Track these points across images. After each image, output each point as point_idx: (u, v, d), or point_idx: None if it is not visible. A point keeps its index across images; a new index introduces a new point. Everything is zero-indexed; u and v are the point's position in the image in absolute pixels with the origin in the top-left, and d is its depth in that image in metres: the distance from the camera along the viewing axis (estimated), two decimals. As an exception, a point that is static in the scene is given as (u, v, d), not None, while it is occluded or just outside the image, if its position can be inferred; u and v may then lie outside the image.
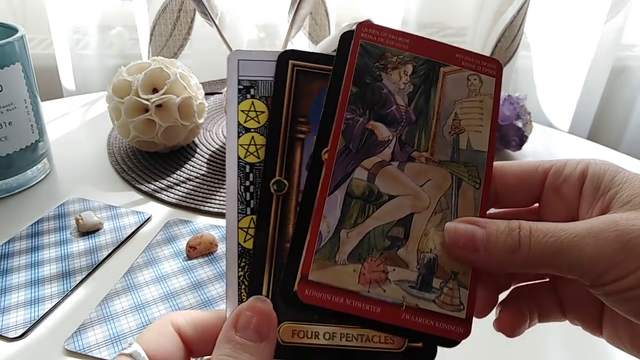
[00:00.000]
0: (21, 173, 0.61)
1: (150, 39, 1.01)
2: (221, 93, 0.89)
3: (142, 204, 0.60)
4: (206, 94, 0.83)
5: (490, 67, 0.27)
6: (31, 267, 0.50)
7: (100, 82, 1.05)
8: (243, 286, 0.25)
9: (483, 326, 0.46)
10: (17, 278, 0.48)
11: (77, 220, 0.55)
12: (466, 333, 0.25)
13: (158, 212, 0.59)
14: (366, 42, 0.26)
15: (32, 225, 0.56)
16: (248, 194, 0.25)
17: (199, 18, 1.00)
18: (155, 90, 0.64)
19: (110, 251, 0.52)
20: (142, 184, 0.64)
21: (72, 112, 0.84)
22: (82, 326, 0.43)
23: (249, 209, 0.25)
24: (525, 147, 0.71)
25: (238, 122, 0.26)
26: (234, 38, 1.01)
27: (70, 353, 0.41)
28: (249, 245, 0.25)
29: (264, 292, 0.24)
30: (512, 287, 0.28)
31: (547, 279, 0.28)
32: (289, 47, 0.68)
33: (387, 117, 0.26)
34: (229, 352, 0.22)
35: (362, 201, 0.25)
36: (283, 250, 0.25)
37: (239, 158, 0.26)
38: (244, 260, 0.25)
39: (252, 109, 0.26)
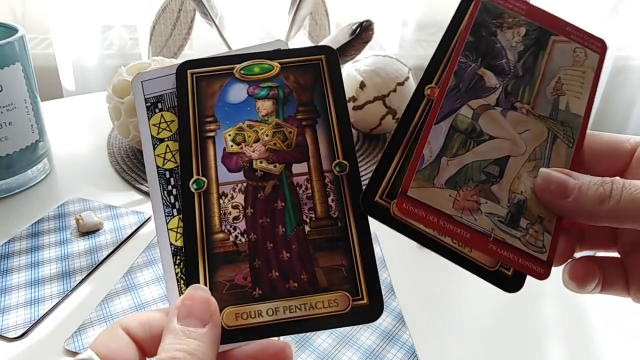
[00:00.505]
0: (21, 173, 0.61)
1: (150, 39, 1.01)
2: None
3: (142, 204, 0.60)
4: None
5: (596, 44, 0.30)
6: (31, 267, 0.50)
7: (100, 82, 1.06)
8: (182, 282, 0.26)
9: (482, 326, 0.46)
10: (17, 278, 0.48)
11: (77, 220, 0.55)
12: (546, 274, 0.25)
13: (158, 212, 0.59)
14: (487, 1, 0.29)
15: (32, 225, 0.56)
16: (172, 197, 0.27)
17: (199, 18, 1.01)
18: (155, 90, 0.64)
19: (110, 251, 0.52)
20: (142, 184, 0.64)
21: (72, 112, 0.84)
22: (82, 326, 0.43)
23: (175, 210, 0.27)
24: (526, 147, 0.71)
25: (151, 135, 0.28)
26: (234, 38, 1.01)
27: (70, 353, 0.41)
28: (181, 243, 0.26)
29: (202, 283, 0.25)
30: (580, 254, 0.28)
31: (616, 253, 0.28)
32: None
33: (496, 67, 0.28)
34: (172, 340, 0.22)
35: (465, 135, 0.27)
36: (212, 241, 0.26)
37: (157, 167, 0.28)
38: (178, 257, 0.26)
39: (162, 120, 0.28)
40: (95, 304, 0.46)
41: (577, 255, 0.28)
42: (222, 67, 0.29)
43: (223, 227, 0.26)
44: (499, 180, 0.26)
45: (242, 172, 0.27)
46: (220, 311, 0.24)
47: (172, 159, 0.28)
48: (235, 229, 0.26)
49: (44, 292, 0.47)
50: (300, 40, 1.04)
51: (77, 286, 0.48)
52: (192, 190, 0.27)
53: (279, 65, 0.29)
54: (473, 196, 0.26)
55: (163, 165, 0.28)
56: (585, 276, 0.27)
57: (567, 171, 0.26)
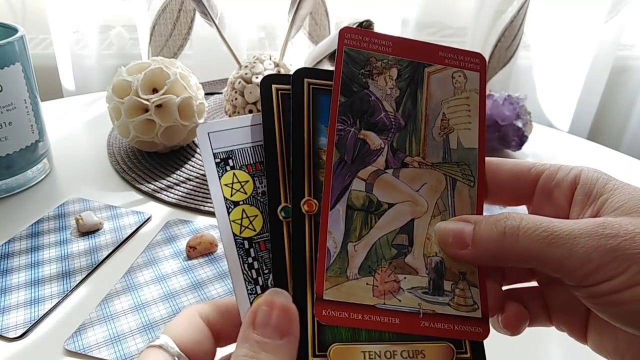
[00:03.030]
0: (21, 173, 0.61)
1: (150, 39, 1.01)
2: (221, 93, 0.89)
3: (142, 204, 0.60)
4: (206, 94, 0.83)
5: (474, 61, 0.27)
6: (31, 267, 0.50)
7: (100, 82, 1.05)
8: None
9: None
10: (17, 278, 0.48)
11: (77, 220, 0.55)
12: (485, 333, 0.24)
13: (158, 212, 0.59)
14: (350, 49, 0.26)
15: (32, 225, 0.56)
16: (253, 271, 0.24)
17: (199, 18, 1.01)
18: (155, 90, 0.64)
19: (110, 251, 0.52)
20: (142, 184, 0.64)
21: (72, 112, 0.84)
22: (82, 326, 0.43)
23: (258, 287, 0.24)
24: (525, 147, 0.71)
25: (224, 197, 0.25)
26: (234, 38, 1.01)
27: (70, 353, 0.41)
28: None
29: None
30: (503, 288, 0.28)
31: (535, 284, 0.28)
32: (289, 47, 0.68)
33: (377, 125, 0.26)
34: (246, 352, 0.21)
35: (364, 212, 0.25)
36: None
37: (234, 235, 0.25)
38: None
39: (236, 180, 0.26)
40: (95, 304, 0.46)
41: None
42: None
43: None
44: (411, 248, 0.25)
45: None
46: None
47: (250, 226, 0.25)
48: None
49: (44, 292, 0.47)
50: (301, 41, 1.04)
51: (77, 286, 0.48)
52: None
53: None
54: (390, 276, 0.24)
55: (240, 233, 0.25)
56: (518, 324, 0.26)
57: (464, 217, 0.25)
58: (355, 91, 0.26)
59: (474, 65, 0.27)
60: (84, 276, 0.49)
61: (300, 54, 1.03)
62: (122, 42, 1.09)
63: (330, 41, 0.64)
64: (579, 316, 0.26)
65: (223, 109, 0.83)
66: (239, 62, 0.67)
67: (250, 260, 0.25)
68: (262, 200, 0.26)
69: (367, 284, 0.24)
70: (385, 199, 0.25)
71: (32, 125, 0.61)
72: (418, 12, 1.05)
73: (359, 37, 0.26)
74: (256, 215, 0.25)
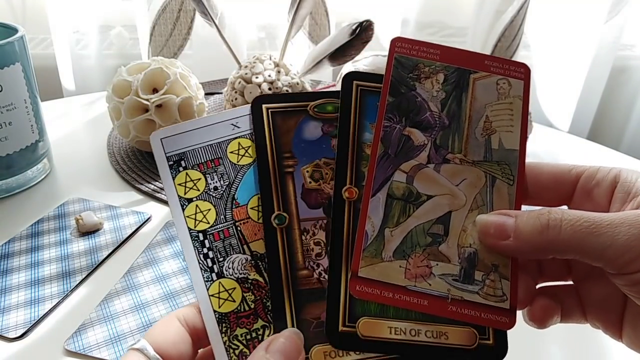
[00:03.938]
0: (21, 173, 0.61)
1: (150, 39, 1.01)
2: (221, 93, 0.89)
3: (142, 204, 0.60)
4: (206, 94, 0.83)
5: (518, 70, 0.29)
6: (31, 267, 0.50)
7: (100, 82, 1.05)
8: (231, 351, 0.25)
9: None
10: (17, 278, 0.48)
11: (77, 220, 0.55)
12: (511, 323, 0.25)
13: (158, 212, 0.59)
14: (400, 55, 0.28)
15: (32, 225, 0.56)
16: (209, 260, 0.26)
17: (199, 18, 1.00)
18: (155, 90, 0.64)
19: (110, 251, 0.52)
20: (142, 184, 0.64)
21: (72, 112, 0.84)
22: (82, 326, 0.43)
23: (214, 275, 0.26)
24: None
25: (178, 195, 0.27)
26: (234, 38, 1.01)
27: (70, 353, 0.41)
28: (225, 309, 0.26)
29: (288, 320, 0.25)
30: (538, 286, 0.28)
31: (571, 282, 0.28)
32: (289, 47, 0.68)
33: (422, 123, 0.28)
34: None
35: (403, 202, 0.26)
36: (297, 278, 0.26)
37: (189, 229, 0.27)
38: (224, 325, 0.25)
39: (188, 179, 0.28)
40: (95, 304, 0.46)
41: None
42: (296, 103, 0.29)
43: (306, 263, 0.26)
44: (446, 238, 0.26)
45: (321, 209, 0.27)
46: (308, 350, 0.24)
47: (204, 220, 0.27)
48: (318, 265, 0.26)
49: (44, 292, 0.47)
50: (300, 40, 1.04)
51: (77, 286, 0.48)
52: (275, 225, 0.26)
53: None
54: (423, 261, 0.25)
55: (195, 227, 0.27)
56: (545, 317, 0.26)
57: (504, 211, 0.26)
58: (403, 92, 0.28)
59: (519, 74, 0.29)
60: (84, 276, 0.49)
61: (300, 54, 1.03)
62: (122, 42, 1.09)
63: (330, 41, 0.64)
64: (614, 312, 0.26)
65: (223, 108, 0.83)
66: (239, 62, 0.67)
67: (205, 250, 0.27)
68: (214, 195, 0.28)
69: (400, 266, 0.25)
70: (425, 191, 0.27)
71: (32, 125, 0.61)
72: (418, 12, 1.04)
73: (409, 45, 0.29)
74: (209, 209, 0.27)
